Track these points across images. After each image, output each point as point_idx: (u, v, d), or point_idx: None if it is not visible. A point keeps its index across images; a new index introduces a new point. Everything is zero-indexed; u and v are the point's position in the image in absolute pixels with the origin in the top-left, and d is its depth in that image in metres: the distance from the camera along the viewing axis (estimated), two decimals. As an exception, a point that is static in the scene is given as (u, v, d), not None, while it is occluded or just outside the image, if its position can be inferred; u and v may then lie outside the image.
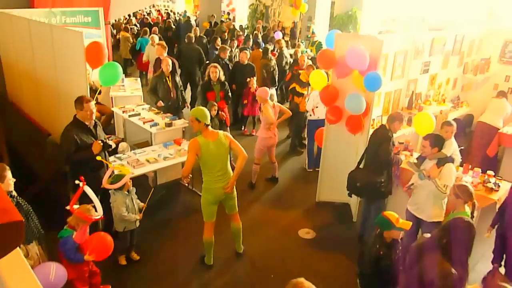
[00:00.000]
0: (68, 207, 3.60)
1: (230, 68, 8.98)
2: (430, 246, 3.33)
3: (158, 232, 5.38)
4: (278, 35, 13.38)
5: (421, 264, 3.22)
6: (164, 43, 8.50)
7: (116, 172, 4.38)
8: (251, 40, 12.63)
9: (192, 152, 4.20)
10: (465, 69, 8.37)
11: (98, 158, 4.24)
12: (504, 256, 4.73)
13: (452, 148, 4.67)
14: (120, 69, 5.12)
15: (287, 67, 10.16)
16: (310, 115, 7.08)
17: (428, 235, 3.64)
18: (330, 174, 6.01)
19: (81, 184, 3.73)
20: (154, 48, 9.93)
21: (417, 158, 4.84)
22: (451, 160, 4.51)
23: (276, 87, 9.43)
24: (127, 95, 8.07)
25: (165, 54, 8.19)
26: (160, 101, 7.01)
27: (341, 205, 6.15)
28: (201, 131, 4.34)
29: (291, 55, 10.73)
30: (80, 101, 4.29)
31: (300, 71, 7.97)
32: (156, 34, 12.38)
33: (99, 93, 5.26)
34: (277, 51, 10.58)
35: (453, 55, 7.85)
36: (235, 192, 4.69)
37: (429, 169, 4.41)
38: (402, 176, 5.25)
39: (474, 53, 8.46)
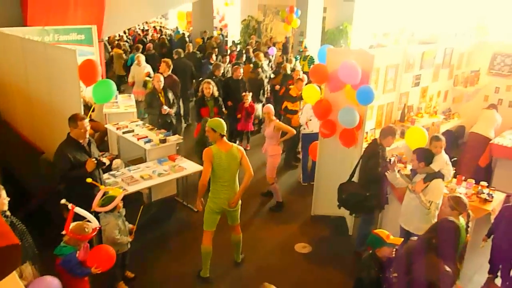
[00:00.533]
0: (64, 232, 3.56)
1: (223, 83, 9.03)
2: (420, 248, 3.38)
3: (153, 249, 5.33)
4: (273, 50, 13.47)
5: (415, 267, 3.25)
6: (169, 61, 8.55)
7: (107, 194, 4.31)
8: (244, 55, 12.73)
9: (207, 160, 4.39)
10: (456, 82, 8.48)
11: (89, 180, 4.19)
12: (500, 266, 4.75)
13: (441, 163, 4.56)
14: (114, 86, 5.13)
15: (266, 80, 10.19)
16: (304, 129, 7.11)
17: (415, 238, 3.67)
18: (325, 188, 6.02)
19: (69, 206, 3.65)
20: (139, 68, 9.76)
21: (410, 170, 4.88)
22: (440, 175, 4.46)
23: (262, 102, 9.48)
24: (121, 111, 8.07)
25: (169, 72, 8.25)
26: (164, 107, 7.07)
27: (336, 218, 6.14)
28: (215, 141, 4.50)
29: (281, 67, 10.74)
30: (74, 119, 4.28)
31: (291, 86, 8.06)
32: (150, 51, 12.45)
33: (93, 110, 5.26)
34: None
35: (443, 68, 7.97)
36: (239, 205, 4.77)
37: (416, 183, 4.44)
38: (393, 187, 5.23)
39: (464, 66, 8.59)
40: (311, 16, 14.74)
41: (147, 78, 9.70)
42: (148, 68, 9.96)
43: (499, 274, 4.77)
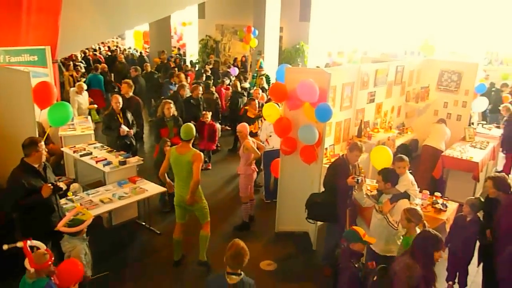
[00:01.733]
0: (31, 269, 3.34)
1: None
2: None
3: (113, 276, 5.12)
4: (234, 71, 13.60)
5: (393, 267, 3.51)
6: (130, 81, 8.44)
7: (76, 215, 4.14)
8: (204, 75, 12.78)
9: (166, 156, 5.08)
10: (408, 98, 8.90)
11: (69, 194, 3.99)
12: (457, 273, 4.95)
13: (407, 184, 4.61)
14: (71, 108, 5.01)
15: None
16: (265, 146, 7.17)
17: None
18: (288, 204, 6.07)
19: (19, 245, 3.41)
20: (81, 97, 9.46)
21: (377, 190, 4.93)
22: (405, 196, 4.52)
23: (220, 122, 9.54)
24: (78, 134, 7.83)
25: (131, 93, 8.12)
26: (122, 127, 6.93)
27: (300, 234, 6.20)
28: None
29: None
30: (34, 143, 4.11)
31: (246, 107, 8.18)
32: (106, 73, 12.22)
33: (47, 136, 5.07)
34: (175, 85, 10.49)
35: (396, 85, 8.35)
36: (201, 205, 5.11)
37: (383, 203, 4.51)
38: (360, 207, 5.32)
39: (414, 83, 9.04)
40: (268, 36, 15.06)
41: (94, 106, 9.47)
42: (87, 95, 9.69)
43: (456, 280, 4.98)
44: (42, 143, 4.18)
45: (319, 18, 16.67)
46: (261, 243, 6.05)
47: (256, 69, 13.47)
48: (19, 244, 3.40)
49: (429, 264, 3.39)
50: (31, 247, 3.48)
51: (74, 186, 6.04)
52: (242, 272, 3.25)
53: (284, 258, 5.69)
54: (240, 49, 16.42)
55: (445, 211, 5.35)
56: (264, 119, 6.88)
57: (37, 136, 4.71)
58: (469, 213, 4.64)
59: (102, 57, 18.46)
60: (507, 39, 13.54)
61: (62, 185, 4.39)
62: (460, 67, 8.70)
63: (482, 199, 4.74)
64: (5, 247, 3.43)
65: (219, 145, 9.55)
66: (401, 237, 4.15)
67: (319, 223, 5.65)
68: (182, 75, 10.90)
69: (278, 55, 16.17)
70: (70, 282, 3.49)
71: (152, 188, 5.93)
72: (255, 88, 10.24)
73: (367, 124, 7.71)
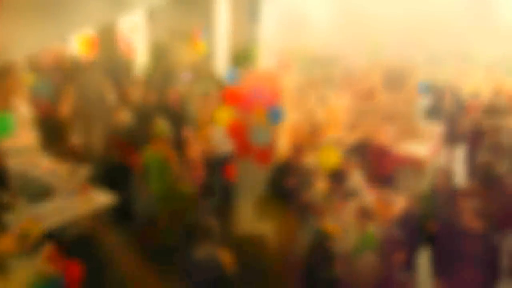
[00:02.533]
0: None
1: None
2: None
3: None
4: (187, 76, 13.42)
5: None
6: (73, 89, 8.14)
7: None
8: (154, 81, 12.52)
9: (143, 159, 5.62)
10: (356, 98, 9.16)
11: None
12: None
13: (356, 182, 4.86)
14: (12, 119, 4.76)
15: None
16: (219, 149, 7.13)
17: None
18: (246, 207, 6.09)
19: None
20: (24, 107, 9.05)
21: (328, 190, 5.06)
22: (356, 194, 4.71)
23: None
24: (22, 145, 7.43)
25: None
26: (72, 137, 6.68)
27: (259, 237, 6.22)
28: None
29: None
30: None
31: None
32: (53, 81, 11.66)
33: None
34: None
35: (345, 85, 8.59)
36: None
37: (335, 203, 4.64)
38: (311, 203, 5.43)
39: (363, 82, 9.33)
40: (218, 39, 15.04)
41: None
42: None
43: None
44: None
45: (269, 19, 16.82)
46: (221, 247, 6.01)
47: (208, 74, 13.38)
48: None
49: (391, 264, 3.53)
50: None
51: (19, 200, 5.74)
52: None
53: (243, 263, 5.69)
54: (189, 54, 16.25)
55: (395, 206, 5.56)
56: (217, 124, 6.87)
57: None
58: (413, 206, 4.87)
59: (48, 65, 17.67)
60: (447, 38, 14.30)
61: (6, 199, 4.18)
62: (403, 67, 9.09)
63: (426, 192, 4.99)
64: None
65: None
66: (355, 235, 4.28)
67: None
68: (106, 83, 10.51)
69: (229, 58, 16.16)
70: None
71: (105, 198, 5.75)
72: (207, 92, 10.17)
73: (318, 125, 7.86)
